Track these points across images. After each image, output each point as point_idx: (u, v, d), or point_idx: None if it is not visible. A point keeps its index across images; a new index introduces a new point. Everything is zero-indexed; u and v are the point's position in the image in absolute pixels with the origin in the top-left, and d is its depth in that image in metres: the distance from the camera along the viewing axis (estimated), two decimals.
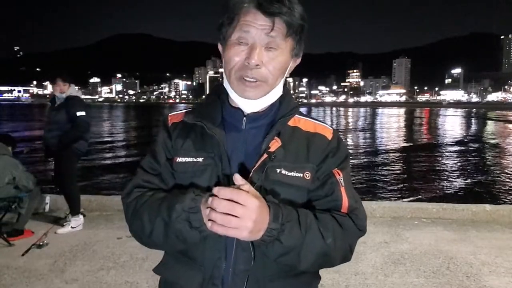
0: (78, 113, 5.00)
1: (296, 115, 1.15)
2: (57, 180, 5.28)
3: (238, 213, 0.87)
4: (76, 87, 5.37)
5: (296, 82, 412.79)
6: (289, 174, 1.04)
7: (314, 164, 1.09)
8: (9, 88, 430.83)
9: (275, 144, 1.04)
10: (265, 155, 1.03)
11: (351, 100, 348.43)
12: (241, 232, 0.88)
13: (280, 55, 1.03)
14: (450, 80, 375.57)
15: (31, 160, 14.55)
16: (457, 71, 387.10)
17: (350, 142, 28.08)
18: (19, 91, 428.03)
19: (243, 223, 0.87)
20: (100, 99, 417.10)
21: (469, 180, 14.68)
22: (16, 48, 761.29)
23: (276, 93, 1.11)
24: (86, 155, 5.83)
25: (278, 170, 1.04)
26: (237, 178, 0.92)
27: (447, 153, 22.59)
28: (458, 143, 27.71)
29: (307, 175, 1.07)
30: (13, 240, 4.57)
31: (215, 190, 0.89)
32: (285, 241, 0.94)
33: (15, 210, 4.80)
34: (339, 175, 1.10)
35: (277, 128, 1.08)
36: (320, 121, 1.18)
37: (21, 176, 4.79)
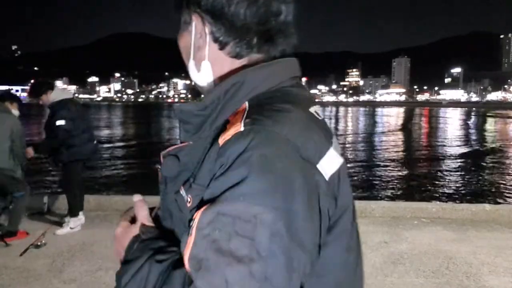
0: (57, 123, 4.95)
1: None
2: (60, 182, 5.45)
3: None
4: (62, 86, 5.49)
5: None
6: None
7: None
8: (6, 87, 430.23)
9: None
10: None
11: (350, 99, 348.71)
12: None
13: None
14: (449, 79, 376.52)
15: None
16: (456, 70, 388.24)
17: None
18: (16, 91, 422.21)
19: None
20: (99, 99, 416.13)
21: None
22: (14, 47, 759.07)
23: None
24: (92, 158, 5.84)
25: None
26: (134, 197, 0.91)
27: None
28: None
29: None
30: (10, 240, 4.55)
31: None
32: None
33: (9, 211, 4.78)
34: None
35: None
36: None
37: (18, 145, 4.85)
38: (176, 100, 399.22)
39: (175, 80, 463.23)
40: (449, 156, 21.30)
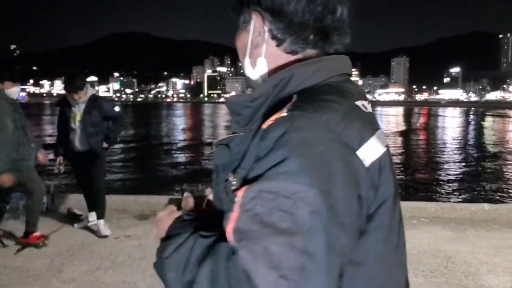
0: (117, 108, 5.03)
1: None
2: (88, 184, 4.93)
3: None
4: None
5: None
6: None
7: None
8: None
9: None
10: None
11: None
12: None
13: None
14: (448, 79, 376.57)
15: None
16: (455, 70, 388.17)
17: None
18: None
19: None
20: None
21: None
22: (12, 47, 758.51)
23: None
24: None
25: None
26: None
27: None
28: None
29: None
30: (23, 241, 4.46)
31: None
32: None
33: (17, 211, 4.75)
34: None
35: None
36: None
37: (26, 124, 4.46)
38: (175, 99, 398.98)
39: (174, 79, 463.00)
40: (449, 156, 21.31)
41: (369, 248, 0.74)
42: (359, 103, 0.80)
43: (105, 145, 4.97)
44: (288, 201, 0.64)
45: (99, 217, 4.89)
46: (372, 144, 0.74)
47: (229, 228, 0.68)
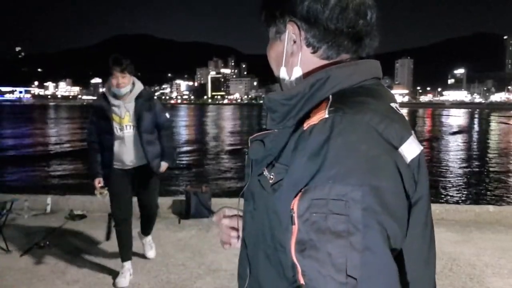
0: (168, 115, 3.99)
1: None
2: (145, 209, 4.02)
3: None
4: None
5: None
6: None
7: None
8: (10, 88, 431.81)
9: None
10: None
11: None
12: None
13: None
14: (453, 80, 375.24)
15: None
16: (460, 71, 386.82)
17: None
18: (20, 92, 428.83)
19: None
20: None
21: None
22: (17, 48, 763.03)
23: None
24: None
25: None
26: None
27: None
28: None
29: None
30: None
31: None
32: None
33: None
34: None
35: None
36: None
37: None
38: (179, 101, 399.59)
39: (177, 81, 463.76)
40: (451, 156, 21.23)
41: (407, 242, 0.75)
42: (393, 105, 0.83)
43: (163, 165, 3.86)
44: (340, 203, 0.67)
45: (145, 234, 4.21)
46: (411, 143, 0.77)
47: (292, 241, 0.71)
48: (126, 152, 3.68)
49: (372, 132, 0.72)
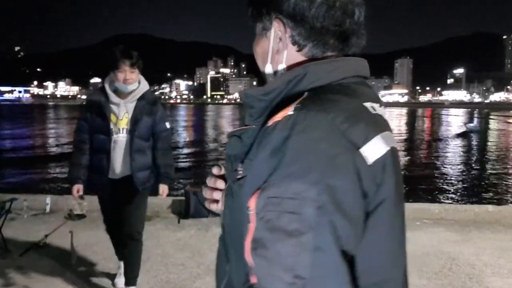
0: (168, 124, 3.42)
1: None
2: (120, 231, 3.34)
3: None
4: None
5: None
6: None
7: None
8: (10, 88, 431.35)
9: None
10: None
11: None
12: None
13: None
14: (452, 80, 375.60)
15: None
16: (459, 71, 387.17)
17: None
18: (19, 92, 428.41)
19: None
20: None
21: None
22: (17, 48, 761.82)
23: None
24: None
25: None
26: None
27: None
28: None
29: None
30: None
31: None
32: None
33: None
34: None
35: None
36: None
37: None
38: (179, 101, 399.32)
39: (177, 81, 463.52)
40: (453, 157, 21.24)
41: (369, 243, 0.74)
42: (367, 104, 0.81)
43: (162, 189, 3.31)
44: (294, 202, 0.67)
45: (128, 283, 3.38)
46: (376, 143, 0.75)
47: (248, 239, 0.71)
48: (118, 159, 3.16)
49: (334, 130, 0.71)
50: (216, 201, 1.02)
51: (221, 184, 1.00)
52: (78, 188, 3.17)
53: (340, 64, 0.83)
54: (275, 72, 0.89)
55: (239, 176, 0.82)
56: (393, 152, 0.80)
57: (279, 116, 0.74)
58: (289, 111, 0.74)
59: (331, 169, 0.68)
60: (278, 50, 0.87)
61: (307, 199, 0.66)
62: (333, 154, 0.69)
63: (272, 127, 0.74)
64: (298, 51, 0.85)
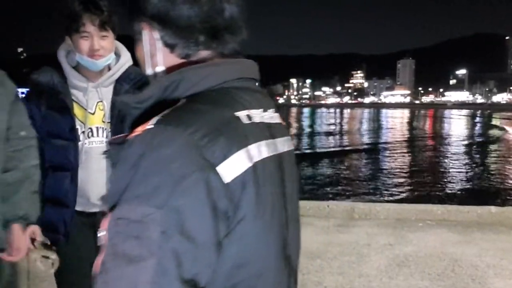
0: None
1: None
2: None
3: None
4: None
5: (300, 83, 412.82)
6: None
7: None
8: None
9: None
10: None
11: (355, 101, 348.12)
12: None
13: None
14: (454, 81, 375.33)
15: None
16: (462, 72, 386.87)
17: None
18: (22, 93, 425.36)
19: None
20: None
21: None
22: (19, 49, 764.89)
23: None
24: None
25: None
26: None
27: None
28: None
29: None
30: None
31: None
32: None
33: None
34: None
35: None
36: None
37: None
38: None
39: None
40: (456, 158, 21.21)
41: (230, 260, 0.72)
42: (242, 113, 0.77)
43: None
44: (139, 225, 0.63)
45: None
46: (236, 159, 0.71)
47: (98, 262, 0.67)
48: (93, 179, 1.89)
49: (189, 147, 0.67)
50: None
51: None
52: (32, 231, 1.87)
53: (218, 68, 0.80)
54: (155, 75, 0.86)
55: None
56: (259, 166, 0.75)
57: (139, 130, 0.70)
58: (150, 124, 0.69)
59: (179, 191, 0.64)
60: (152, 53, 0.85)
61: (152, 223, 0.62)
62: (183, 174, 0.65)
63: (130, 141, 0.69)
64: (171, 52, 0.83)
